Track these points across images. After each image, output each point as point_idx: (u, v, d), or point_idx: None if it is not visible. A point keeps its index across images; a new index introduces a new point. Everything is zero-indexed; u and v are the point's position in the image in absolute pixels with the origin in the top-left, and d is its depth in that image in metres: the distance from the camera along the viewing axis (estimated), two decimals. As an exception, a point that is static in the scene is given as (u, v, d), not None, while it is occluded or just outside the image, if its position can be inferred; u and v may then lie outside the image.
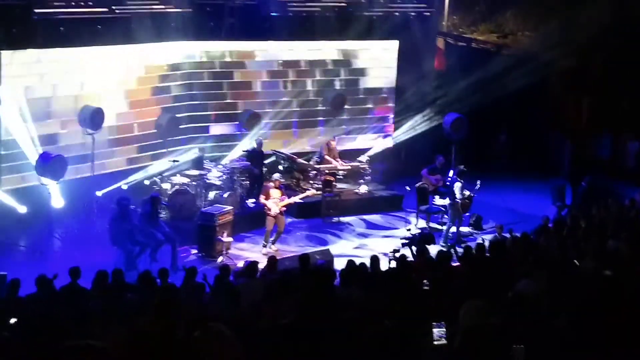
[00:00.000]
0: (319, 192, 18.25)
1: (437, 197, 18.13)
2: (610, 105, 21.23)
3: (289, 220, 17.40)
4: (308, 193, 17.28)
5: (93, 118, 16.91)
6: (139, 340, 7.36)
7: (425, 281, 10.61)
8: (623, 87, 20.97)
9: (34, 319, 9.15)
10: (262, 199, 16.30)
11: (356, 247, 16.82)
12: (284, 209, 16.26)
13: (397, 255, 12.90)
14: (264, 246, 16.11)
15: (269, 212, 16.09)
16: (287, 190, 18.49)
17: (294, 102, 20.60)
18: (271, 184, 16.46)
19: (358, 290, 10.26)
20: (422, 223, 17.90)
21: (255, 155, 18.56)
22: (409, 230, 16.40)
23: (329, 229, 17.82)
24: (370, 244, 16.98)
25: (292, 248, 16.40)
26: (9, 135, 16.25)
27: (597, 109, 21.42)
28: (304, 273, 11.71)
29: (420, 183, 18.25)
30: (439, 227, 17.63)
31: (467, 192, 17.03)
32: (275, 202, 16.08)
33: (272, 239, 16.17)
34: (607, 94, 21.18)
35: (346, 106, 20.93)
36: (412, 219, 18.09)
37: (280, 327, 8.13)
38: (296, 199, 16.96)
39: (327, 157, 19.29)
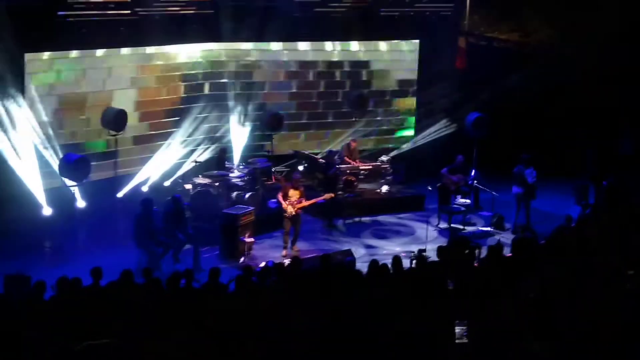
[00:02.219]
0: (339, 192, 18.21)
1: (459, 196, 18.11)
2: (635, 101, 21.05)
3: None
4: (325, 196, 17.12)
5: (116, 119, 17.03)
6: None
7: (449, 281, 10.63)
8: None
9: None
10: (279, 198, 16.25)
11: (377, 247, 16.82)
12: (300, 211, 16.16)
13: (419, 255, 12.91)
14: (284, 248, 16.12)
15: (285, 212, 16.06)
16: (308, 190, 18.52)
17: (316, 103, 20.67)
18: (290, 184, 16.38)
19: (381, 291, 10.27)
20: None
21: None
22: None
23: (351, 229, 17.82)
24: (391, 245, 16.98)
25: (313, 248, 16.41)
26: (32, 133, 16.45)
27: (620, 105, 21.24)
28: (326, 273, 11.74)
29: (441, 183, 18.23)
30: (461, 226, 17.59)
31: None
32: (292, 203, 16.02)
33: (291, 239, 16.17)
34: (631, 90, 21.02)
35: (368, 106, 20.95)
36: (411, 222, 18.21)
37: (304, 326, 8.16)
38: (313, 201, 16.65)
39: (346, 158, 19.30)
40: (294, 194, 16.08)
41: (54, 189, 16.29)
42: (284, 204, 16.01)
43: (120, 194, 16.98)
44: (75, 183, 15.73)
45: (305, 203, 16.21)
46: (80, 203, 16.18)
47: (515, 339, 7.62)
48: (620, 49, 20.94)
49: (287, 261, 14.06)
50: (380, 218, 18.52)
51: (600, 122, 20.94)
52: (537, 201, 18.65)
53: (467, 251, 12.70)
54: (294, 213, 16.00)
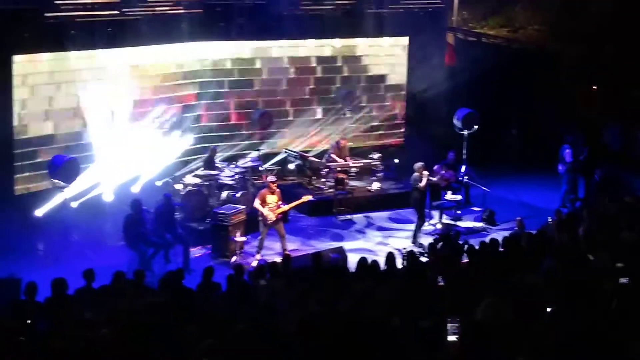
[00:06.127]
0: (326, 189, 18.05)
1: (449, 192, 18.11)
2: (621, 95, 21.16)
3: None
4: (304, 199, 16.48)
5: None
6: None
7: (439, 277, 10.65)
8: (633, 76, 20.90)
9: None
10: (257, 204, 15.66)
11: (370, 244, 16.83)
12: (280, 215, 15.71)
13: (410, 252, 12.94)
14: (258, 252, 15.59)
15: (264, 220, 15.53)
16: (299, 188, 18.54)
17: (305, 101, 20.66)
18: (267, 189, 15.75)
19: (373, 288, 10.29)
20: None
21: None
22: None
23: (341, 227, 17.82)
24: (383, 241, 16.99)
25: (304, 246, 16.41)
26: (23, 136, 16.41)
27: (607, 99, 21.34)
28: (318, 271, 11.76)
29: (432, 179, 18.23)
30: (452, 222, 17.62)
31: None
32: (272, 209, 15.55)
33: (280, 244, 15.78)
34: (618, 84, 21.13)
35: (357, 103, 20.96)
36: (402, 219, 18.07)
37: (297, 324, 8.16)
38: (292, 205, 16.13)
39: (333, 155, 19.11)
40: (272, 199, 15.62)
41: (44, 191, 16.27)
42: (264, 211, 15.51)
43: (109, 197, 16.85)
44: (64, 185, 15.71)
45: (284, 208, 15.82)
46: (72, 205, 16.15)
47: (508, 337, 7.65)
48: (609, 42, 21.05)
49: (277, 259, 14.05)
50: (372, 215, 18.51)
51: (589, 116, 21.04)
52: (527, 195, 18.79)
53: (458, 247, 12.73)
54: (274, 219, 15.64)
